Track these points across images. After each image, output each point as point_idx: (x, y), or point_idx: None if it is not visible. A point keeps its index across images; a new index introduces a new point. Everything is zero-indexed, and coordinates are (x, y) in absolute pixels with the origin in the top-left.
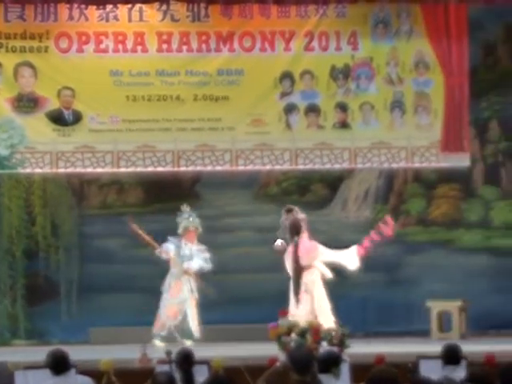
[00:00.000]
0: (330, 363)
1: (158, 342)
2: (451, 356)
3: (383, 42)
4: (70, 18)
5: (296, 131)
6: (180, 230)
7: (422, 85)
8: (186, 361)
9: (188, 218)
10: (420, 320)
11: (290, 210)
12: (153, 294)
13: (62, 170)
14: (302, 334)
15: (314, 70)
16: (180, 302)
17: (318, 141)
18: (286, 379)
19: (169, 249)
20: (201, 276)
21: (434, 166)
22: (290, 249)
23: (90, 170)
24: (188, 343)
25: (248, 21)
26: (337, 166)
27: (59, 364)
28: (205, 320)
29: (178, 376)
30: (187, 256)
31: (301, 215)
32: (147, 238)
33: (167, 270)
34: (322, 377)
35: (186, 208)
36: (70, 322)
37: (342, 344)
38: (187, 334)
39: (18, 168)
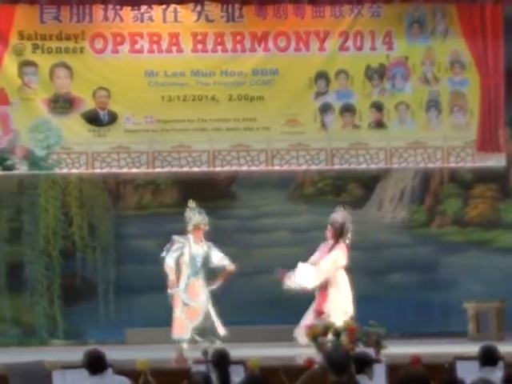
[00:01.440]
0: (363, 364)
1: (186, 347)
2: (488, 357)
3: (418, 41)
4: (105, 18)
5: (331, 131)
6: (190, 227)
7: (458, 84)
8: (222, 360)
9: (199, 215)
10: (457, 321)
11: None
12: None
13: (97, 171)
14: (338, 334)
15: (349, 70)
16: (201, 303)
17: (354, 141)
18: (325, 382)
19: (170, 264)
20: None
21: (470, 165)
22: (338, 247)
23: (125, 170)
24: (218, 343)
25: (282, 21)
26: (372, 166)
27: (95, 364)
28: (240, 320)
29: (214, 376)
30: (201, 254)
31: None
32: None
33: None
34: (357, 377)
35: (193, 204)
36: (107, 323)
37: (377, 345)
38: (213, 333)
39: (55, 169)
